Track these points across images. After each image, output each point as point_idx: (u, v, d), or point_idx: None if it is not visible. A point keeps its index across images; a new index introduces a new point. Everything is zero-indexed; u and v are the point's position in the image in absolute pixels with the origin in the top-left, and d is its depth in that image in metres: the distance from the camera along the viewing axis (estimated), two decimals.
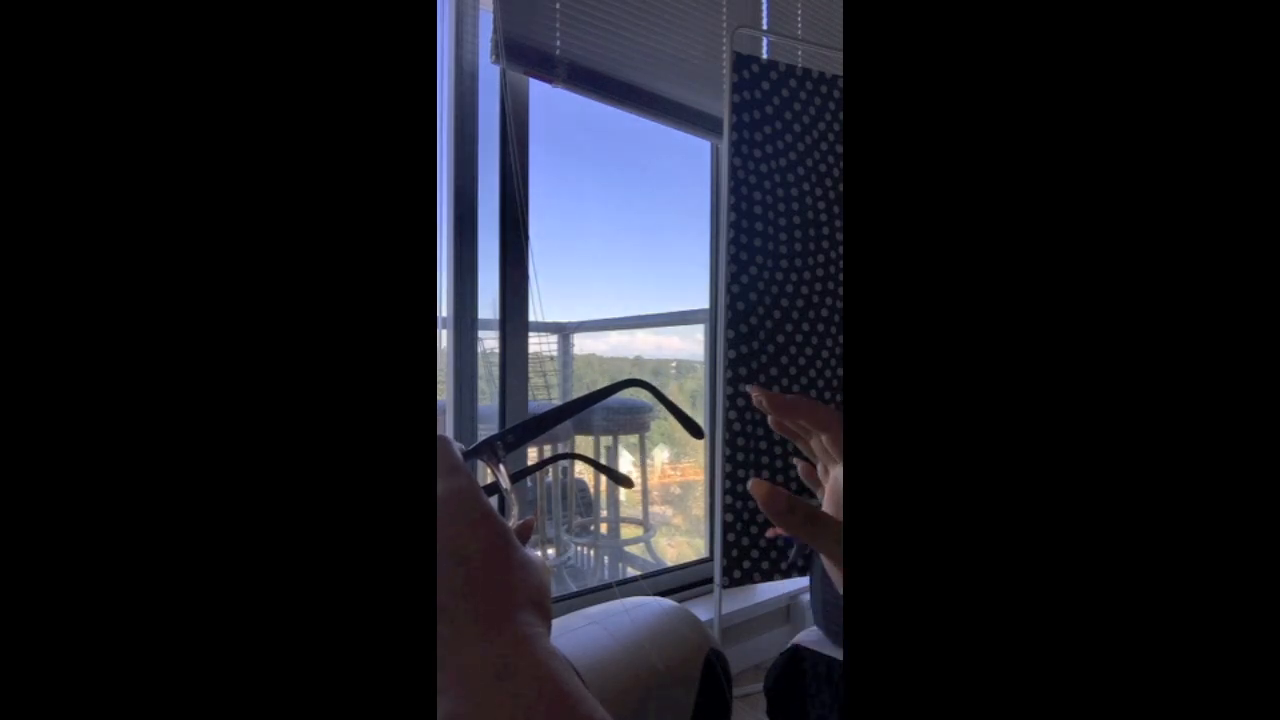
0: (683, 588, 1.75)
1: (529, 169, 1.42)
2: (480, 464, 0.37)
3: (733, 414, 1.45)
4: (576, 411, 0.40)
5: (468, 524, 0.29)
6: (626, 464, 2.31)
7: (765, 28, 1.76)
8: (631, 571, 2.19)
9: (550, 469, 2.10)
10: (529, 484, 1.91)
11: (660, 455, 2.47)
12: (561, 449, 2.08)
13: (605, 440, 2.21)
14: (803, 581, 1.70)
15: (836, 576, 0.35)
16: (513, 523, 0.34)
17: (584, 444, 2.22)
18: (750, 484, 0.34)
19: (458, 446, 0.32)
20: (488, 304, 1.42)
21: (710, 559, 1.80)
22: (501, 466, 0.36)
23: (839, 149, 1.59)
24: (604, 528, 2.26)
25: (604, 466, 0.42)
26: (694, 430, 0.42)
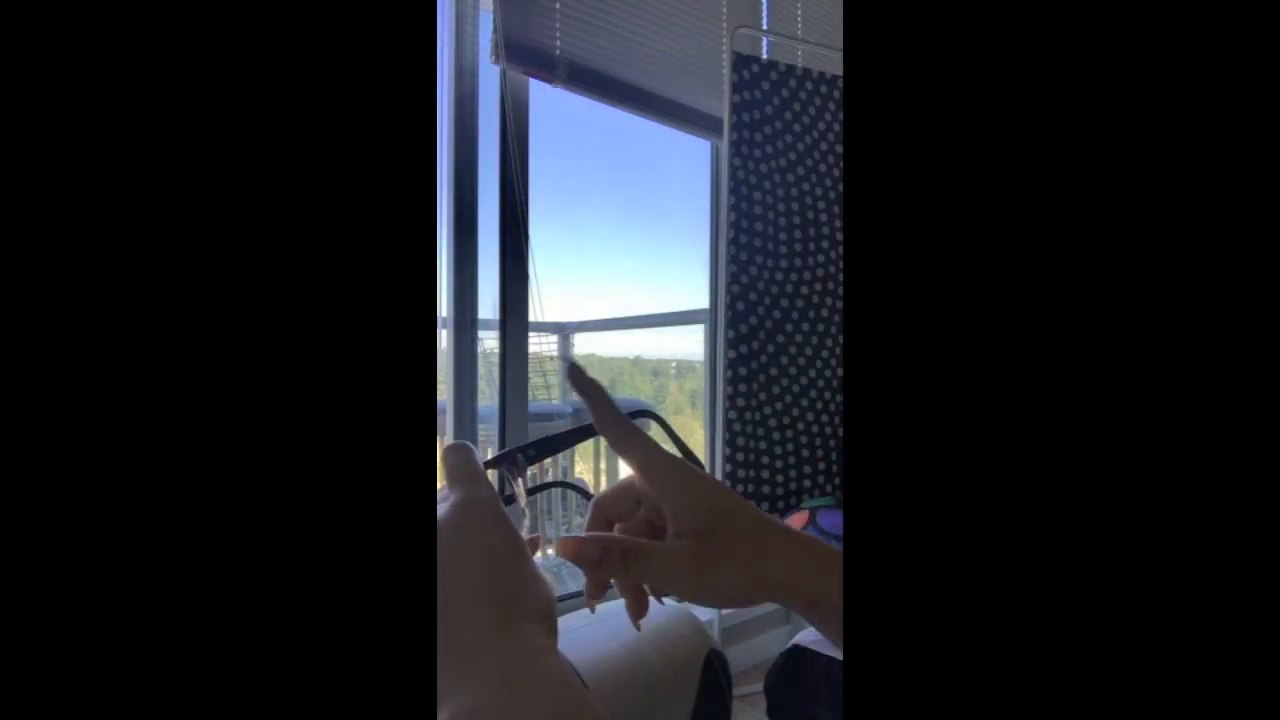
0: None
1: (529, 169, 1.42)
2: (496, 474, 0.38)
3: (733, 414, 1.45)
4: (595, 434, 0.40)
5: (486, 533, 0.29)
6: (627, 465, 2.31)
7: (765, 28, 1.76)
8: None
9: (552, 470, 2.11)
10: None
11: None
12: (561, 455, 2.08)
13: (606, 443, 2.20)
14: None
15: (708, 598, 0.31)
16: (524, 535, 0.34)
17: (585, 447, 2.22)
18: (558, 550, 0.31)
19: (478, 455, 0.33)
20: (488, 304, 1.42)
21: None
22: (520, 480, 0.37)
23: (839, 149, 1.59)
24: None
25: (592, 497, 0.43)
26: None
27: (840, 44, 1.74)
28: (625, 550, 0.31)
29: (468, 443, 0.33)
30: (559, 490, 2.11)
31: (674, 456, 0.33)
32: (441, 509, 0.29)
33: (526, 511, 0.37)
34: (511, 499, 0.36)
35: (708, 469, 0.43)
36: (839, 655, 1.08)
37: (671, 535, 0.32)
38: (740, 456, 1.46)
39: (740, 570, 0.31)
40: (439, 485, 0.31)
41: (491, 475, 0.37)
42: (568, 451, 2.22)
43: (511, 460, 0.37)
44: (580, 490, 0.47)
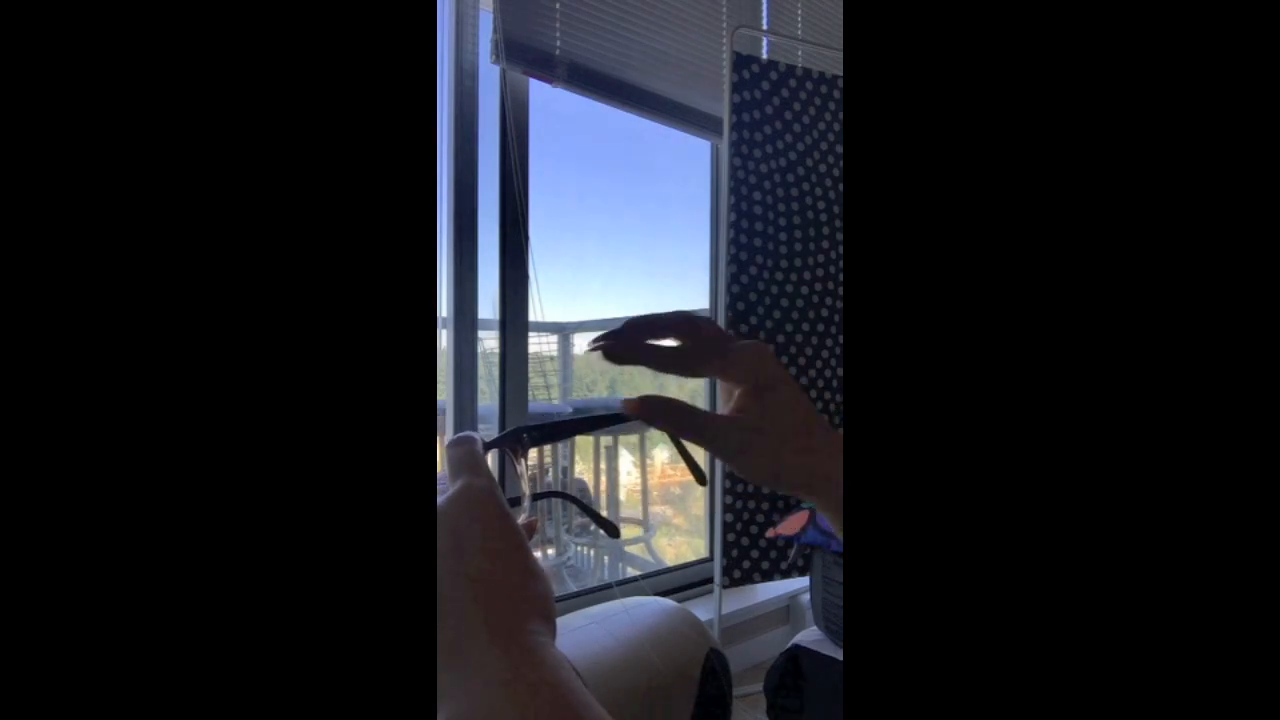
0: (683, 588, 1.75)
1: (529, 169, 1.42)
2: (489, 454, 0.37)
3: None
4: (609, 424, 0.40)
5: (486, 528, 0.28)
6: (627, 463, 2.31)
7: (765, 28, 1.76)
8: (631, 571, 2.19)
9: (551, 469, 2.10)
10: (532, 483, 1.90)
11: (660, 455, 2.47)
12: (562, 450, 2.08)
13: (605, 440, 2.21)
14: (803, 581, 1.70)
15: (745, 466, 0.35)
16: (522, 518, 0.34)
17: (584, 444, 2.21)
18: (624, 405, 0.34)
19: (481, 438, 0.32)
20: (488, 304, 1.42)
21: (710, 559, 1.80)
22: (524, 459, 0.36)
23: (839, 149, 1.59)
24: None
25: (595, 514, 0.42)
26: (699, 477, 0.42)
27: (840, 44, 1.74)
28: (687, 414, 0.34)
29: (473, 434, 0.33)
30: (559, 488, 2.11)
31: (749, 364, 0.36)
32: (440, 500, 0.29)
33: (528, 493, 0.36)
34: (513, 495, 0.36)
35: (707, 469, 0.42)
36: (839, 655, 1.08)
37: (730, 412, 0.36)
38: None
39: (775, 457, 0.35)
40: (441, 475, 0.31)
41: (491, 459, 0.37)
42: (567, 451, 2.20)
43: (516, 439, 0.37)
44: (575, 502, 0.46)
